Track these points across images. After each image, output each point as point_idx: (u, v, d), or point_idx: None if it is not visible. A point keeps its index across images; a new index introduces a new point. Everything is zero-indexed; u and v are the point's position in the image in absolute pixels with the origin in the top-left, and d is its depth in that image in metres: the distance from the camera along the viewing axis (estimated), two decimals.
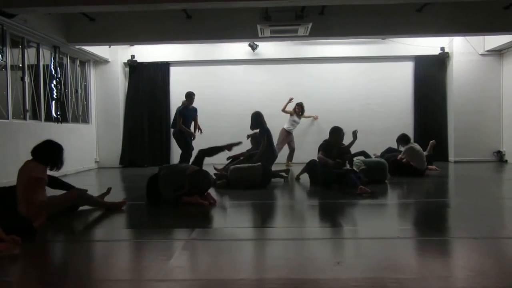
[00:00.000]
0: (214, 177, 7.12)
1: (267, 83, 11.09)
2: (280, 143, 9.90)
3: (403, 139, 8.29)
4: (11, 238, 3.40)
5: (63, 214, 4.67)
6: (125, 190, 7.31)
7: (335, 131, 6.89)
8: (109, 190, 5.37)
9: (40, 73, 8.50)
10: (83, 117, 10.45)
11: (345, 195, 5.88)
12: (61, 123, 8.96)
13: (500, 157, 10.65)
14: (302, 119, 10.57)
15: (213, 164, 8.48)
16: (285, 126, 10.22)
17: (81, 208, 5.01)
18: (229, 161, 7.94)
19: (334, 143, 6.83)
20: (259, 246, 3.65)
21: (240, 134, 8.58)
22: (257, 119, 7.63)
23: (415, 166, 7.84)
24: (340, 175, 6.25)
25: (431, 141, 9.13)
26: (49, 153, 4.55)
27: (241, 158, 7.80)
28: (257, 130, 7.88)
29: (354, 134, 6.96)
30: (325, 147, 6.79)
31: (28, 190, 4.29)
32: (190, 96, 8.95)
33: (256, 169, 6.80)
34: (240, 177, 6.73)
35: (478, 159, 10.56)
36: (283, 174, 7.47)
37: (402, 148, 8.29)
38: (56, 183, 5.03)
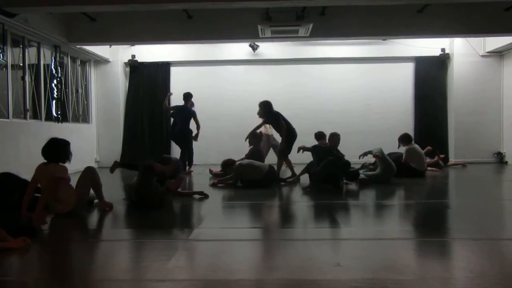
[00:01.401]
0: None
1: (268, 84, 11.09)
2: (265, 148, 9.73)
3: (404, 138, 8.25)
4: (22, 239, 3.41)
5: (67, 214, 4.68)
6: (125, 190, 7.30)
7: (337, 136, 7.35)
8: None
9: (40, 72, 8.50)
10: (83, 117, 10.46)
11: (345, 196, 5.88)
12: (61, 122, 8.96)
13: (500, 158, 10.65)
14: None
15: (209, 167, 8.56)
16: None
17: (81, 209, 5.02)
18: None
19: (332, 147, 7.00)
20: (259, 246, 3.66)
21: (240, 134, 8.61)
22: (266, 109, 7.72)
23: (415, 167, 7.83)
24: (328, 175, 6.29)
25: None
26: (59, 150, 4.62)
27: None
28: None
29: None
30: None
31: (51, 191, 4.38)
32: (191, 96, 9.12)
33: (262, 169, 6.80)
34: (244, 171, 6.74)
35: (478, 160, 10.56)
36: (291, 179, 7.41)
37: (402, 148, 8.23)
38: None
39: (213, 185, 6.93)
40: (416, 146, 8.18)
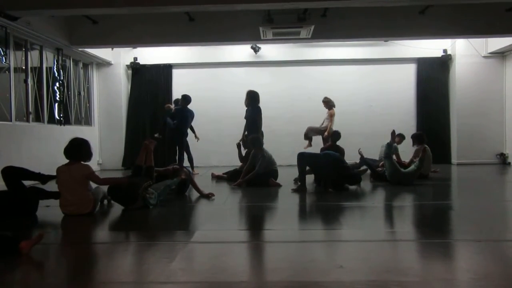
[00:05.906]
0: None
1: (270, 85, 11.07)
2: None
3: (417, 138, 8.14)
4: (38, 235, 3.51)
5: (71, 216, 4.69)
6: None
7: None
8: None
9: (43, 75, 8.53)
10: (85, 119, 10.48)
11: (347, 197, 5.87)
12: (64, 125, 8.98)
13: (503, 159, 10.62)
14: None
15: (211, 172, 8.58)
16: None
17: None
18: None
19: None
20: (261, 248, 3.65)
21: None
22: (253, 97, 7.94)
23: None
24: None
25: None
26: (81, 150, 5.02)
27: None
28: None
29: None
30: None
31: (84, 188, 4.80)
32: (187, 98, 9.11)
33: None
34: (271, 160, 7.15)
35: (481, 161, 10.53)
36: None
37: (416, 147, 8.11)
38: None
39: (239, 185, 6.95)
40: (427, 149, 8.01)
